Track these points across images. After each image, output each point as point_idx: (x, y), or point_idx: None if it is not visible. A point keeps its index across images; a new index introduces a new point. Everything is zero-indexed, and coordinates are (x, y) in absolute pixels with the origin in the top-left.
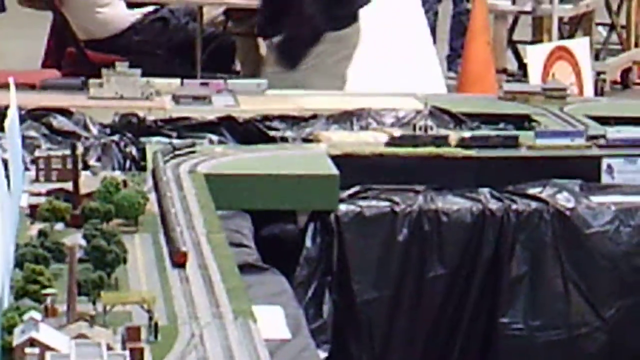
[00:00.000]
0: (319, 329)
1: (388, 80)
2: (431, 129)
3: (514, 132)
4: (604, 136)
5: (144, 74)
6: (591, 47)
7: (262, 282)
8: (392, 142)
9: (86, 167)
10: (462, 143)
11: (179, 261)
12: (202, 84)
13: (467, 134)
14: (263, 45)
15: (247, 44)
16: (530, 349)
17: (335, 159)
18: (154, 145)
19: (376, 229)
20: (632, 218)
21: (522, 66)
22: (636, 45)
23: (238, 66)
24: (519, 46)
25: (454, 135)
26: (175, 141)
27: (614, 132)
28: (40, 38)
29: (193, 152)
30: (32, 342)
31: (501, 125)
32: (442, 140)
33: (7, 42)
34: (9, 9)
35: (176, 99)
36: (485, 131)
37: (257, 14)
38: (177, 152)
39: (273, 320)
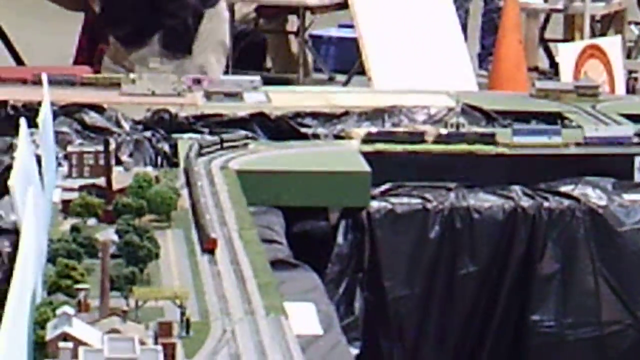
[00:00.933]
0: (350, 326)
1: (420, 77)
2: (463, 126)
3: (491, 129)
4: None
5: None
6: (623, 45)
7: (294, 279)
8: (438, 139)
9: (118, 162)
10: (439, 139)
11: (209, 247)
12: (194, 79)
13: (443, 130)
14: (294, 42)
15: (278, 41)
16: (562, 346)
17: (367, 155)
18: (186, 141)
19: (408, 226)
20: None
21: (554, 64)
22: None
23: (269, 63)
24: (551, 44)
25: (432, 131)
26: (226, 135)
27: (591, 130)
28: (71, 33)
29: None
30: (65, 337)
31: (533, 123)
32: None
33: (38, 37)
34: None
35: (208, 95)
36: (469, 127)
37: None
38: (227, 145)
39: (305, 316)
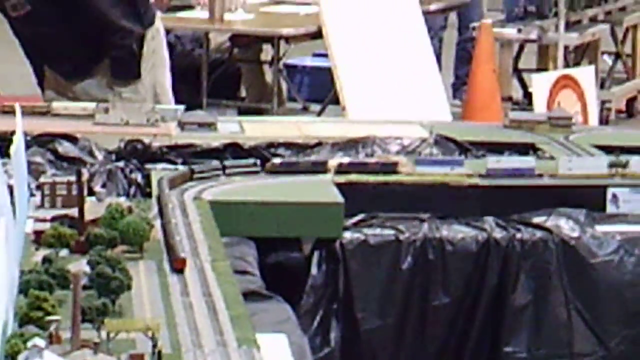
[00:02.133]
0: (326, 358)
1: (394, 107)
2: (436, 157)
3: (394, 159)
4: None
5: None
6: (596, 75)
7: (266, 310)
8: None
9: (91, 193)
10: (340, 169)
11: (178, 267)
12: None
13: (346, 159)
14: (269, 72)
15: (253, 70)
16: None
17: (340, 186)
18: (159, 171)
19: (381, 257)
20: (638, 247)
21: (528, 94)
22: None
23: (243, 92)
24: (525, 74)
25: (332, 162)
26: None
27: (494, 162)
28: None
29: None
30: None
31: (506, 154)
32: (320, 166)
33: (12, 67)
34: (9, 32)
35: (181, 125)
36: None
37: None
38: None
39: (277, 348)
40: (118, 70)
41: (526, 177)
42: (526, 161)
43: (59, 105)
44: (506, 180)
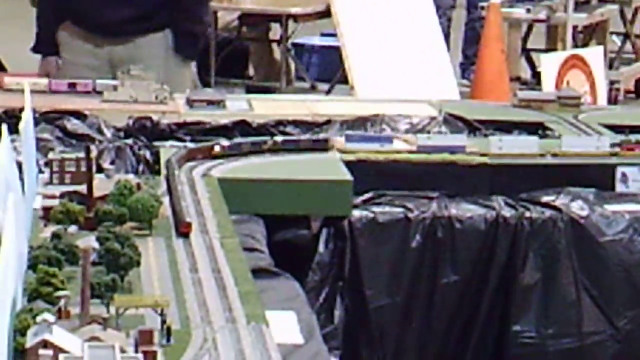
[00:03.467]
0: (330, 335)
1: (402, 86)
2: (445, 135)
3: (325, 135)
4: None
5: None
6: (605, 56)
7: (275, 287)
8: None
9: (100, 170)
10: (275, 147)
11: (184, 231)
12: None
13: (279, 138)
14: (277, 51)
15: (261, 48)
16: (542, 357)
17: (349, 164)
18: (168, 149)
19: (389, 235)
20: None
21: (536, 74)
22: None
23: (252, 71)
24: (533, 54)
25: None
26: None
27: (424, 139)
28: None
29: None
30: (45, 344)
31: (515, 133)
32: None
33: (20, 45)
34: (21, 12)
35: (190, 102)
36: (300, 136)
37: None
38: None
39: (286, 325)
40: (183, 46)
41: (527, 156)
42: (458, 139)
43: (10, 80)
44: (515, 160)
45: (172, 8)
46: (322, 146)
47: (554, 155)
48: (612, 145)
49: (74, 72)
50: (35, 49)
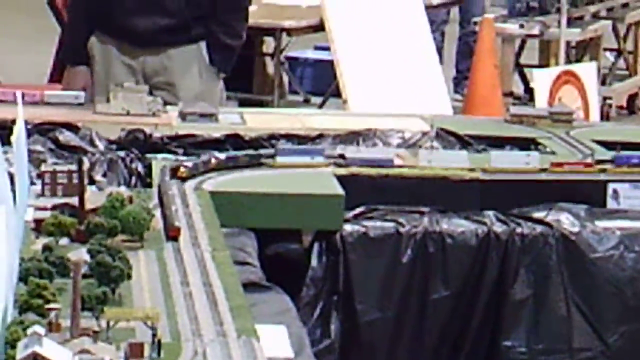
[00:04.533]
0: (326, 350)
1: (395, 100)
2: (437, 150)
3: (258, 152)
4: (611, 161)
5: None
6: (598, 72)
7: (266, 301)
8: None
9: (92, 182)
10: (219, 165)
11: (173, 235)
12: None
13: (222, 155)
14: (270, 64)
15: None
16: None
17: (341, 178)
18: (160, 161)
19: (381, 250)
20: (637, 243)
21: (529, 90)
22: None
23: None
24: (526, 70)
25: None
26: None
27: (353, 151)
28: (47, 53)
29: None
30: (36, 357)
31: (507, 148)
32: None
33: (14, 57)
34: (16, 23)
35: (183, 115)
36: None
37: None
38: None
39: (276, 339)
40: (218, 58)
41: (520, 172)
42: (385, 152)
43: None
44: (507, 175)
45: (209, 20)
46: (257, 161)
47: (484, 171)
48: (544, 162)
49: (107, 83)
50: (64, 59)
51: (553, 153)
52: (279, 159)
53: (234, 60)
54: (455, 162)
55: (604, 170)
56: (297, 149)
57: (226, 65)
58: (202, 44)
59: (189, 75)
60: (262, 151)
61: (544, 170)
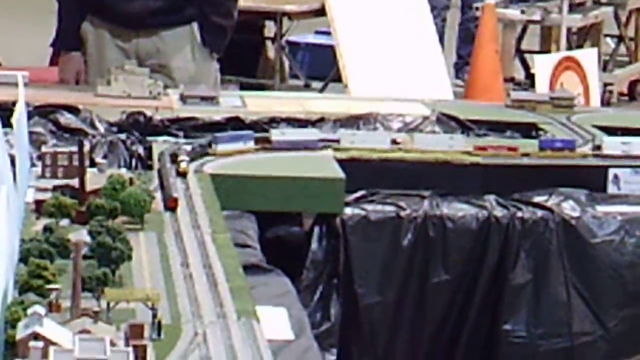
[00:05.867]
0: (326, 333)
1: (396, 85)
2: (438, 134)
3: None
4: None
5: None
6: (599, 58)
7: (266, 283)
8: None
9: (92, 164)
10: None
11: (171, 206)
12: None
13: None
14: (271, 48)
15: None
16: (532, 356)
17: (342, 162)
18: (160, 144)
19: (381, 233)
20: (638, 228)
21: (530, 76)
22: None
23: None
24: (527, 55)
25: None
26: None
27: (278, 134)
28: (48, 35)
29: None
30: (36, 337)
31: (508, 133)
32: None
33: (14, 39)
34: (17, 6)
35: (184, 98)
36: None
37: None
38: None
39: (276, 321)
40: (211, 39)
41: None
42: (310, 133)
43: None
44: (507, 160)
45: (201, 1)
46: (203, 151)
47: (406, 151)
48: (467, 145)
49: (101, 67)
50: (55, 44)
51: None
52: (219, 147)
53: (226, 41)
54: (376, 143)
55: (526, 155)
56: (233, 135)
57: (219, 45)
58: (195, 25)
59: (182, 56)
60: (202, 140)
61: (467, 152)
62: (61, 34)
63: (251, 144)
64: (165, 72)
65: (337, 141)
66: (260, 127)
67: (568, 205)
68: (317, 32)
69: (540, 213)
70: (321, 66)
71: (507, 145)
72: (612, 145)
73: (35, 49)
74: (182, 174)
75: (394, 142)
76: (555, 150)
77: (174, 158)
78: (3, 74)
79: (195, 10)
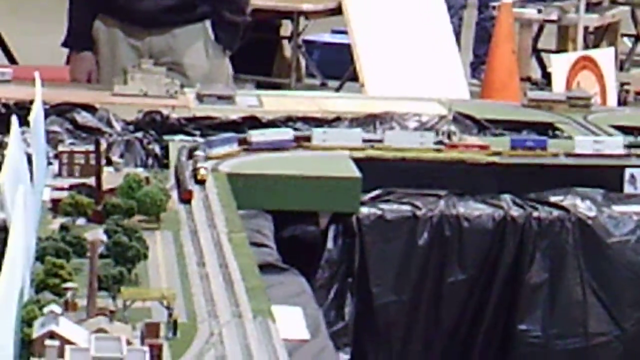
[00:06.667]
0: (340, 332)
1: (412, 84)
2: (454, 134)
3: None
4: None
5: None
6: (616, 57)
7: (282, 283)
8: None
9: (109, 163)
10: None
11: (185, 198)
12: None
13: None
14: (288, 47)
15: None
16: (548, 356)
17: (358, 161)
18: (177, 143)
19: (397, 233)
20: None
21: (546, 75)
22: None
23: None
24: (544, 55)
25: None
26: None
27: (258, 135)
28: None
29: None
30: (52, 335)
31: (525, 133)
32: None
33: (30, 38)
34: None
35: (200, 97)
36: None
37: None
38: None
39: (292, 320)
40: (224, 36)
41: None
42: (284, 133)
43: None
44: (523, 159)
45: None
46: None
47: (567, 155)
48: (437, 142)
49: (114, 66)
50: (67, 44)
51: (570, 138)
52: (214, 151)
53: (239, 37)
54: (349, 141)
55: (498, 154)
56: (222, 139)
57: (232, 42)
58: (207, 23)
59: (195, 54)
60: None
61: (438, 150)
62: (72, 34)
63: (235, 146)
64: (179, 69)
65: (308, 139)
66: (277, 126)
67: (584, 205)
68: (334, 31)
69: (556, 213)
70: (337, 65)
71: (478, 144)
72: (584, 144)
73: (51, 48)
74: (201, 182)
75: (365, 140)
76: (526, 149)
77: (191, 153)
78: None
79: (208, 8)
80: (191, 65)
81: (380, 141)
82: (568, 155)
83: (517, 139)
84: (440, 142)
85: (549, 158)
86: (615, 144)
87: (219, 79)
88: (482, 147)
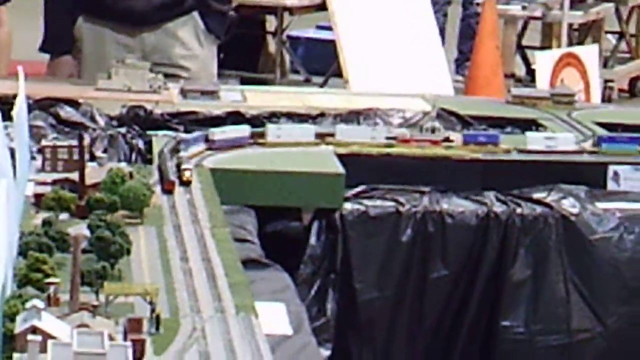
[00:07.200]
0: (321, 328)
1: (396, 80)
2: (438, 130)
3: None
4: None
5: None
6: (600, 54)
7: (265, 278)
8: None
9: (92, 158)
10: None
11: (168, 188)
12: None
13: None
14: (272, 43)
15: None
16: (531, 353)
17: (342, 157)
18: (160, 138)
19: (380, 229)
20: (637, 225)
21: (530, 72)
22: None
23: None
24: (528, 52)
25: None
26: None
27: (219, 133)
28: None
29: None
30: (34, 330)
31: (508, 129)
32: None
33: (17, 33)
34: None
35: (184, 93)
36: None
37: None
38: None
39: (275, 316)
40: (214, 25)
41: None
42: (242, 130)
43: None
44: (507, 156)
45: None
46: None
47: (332, 144)
48: (388, 138)
49: (100, 65)
50: (46, 50)
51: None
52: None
53: (227, 26)
54: (303, 136)
55: (449, 147)
56: (195, 137)
57: (220, 30)
58: (195, 14)
59: (188, 44)
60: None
61: (389, 145)
62: (50, 38)
63: (202, 146)
64: (173, 62)
65: (263, 135)
66: (261, 121)
67: (567, 202)
68: (318, 27)
69: (539, 209)
70: (322, 61)
71: (429, 139)
72: (536, 140)
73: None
74: (186, 183)
75: (318, 135)
76: (478, 145)
77: (174, 149)
78: None
79: (195, 1)
80: (185, 56)
81: (332, 135)
82: (520, 151)
83: (469, 134)
84: (391, 138)
85: (500, 154)
86: (567, 140)
87: (212, 68)
88: (433, 143)
